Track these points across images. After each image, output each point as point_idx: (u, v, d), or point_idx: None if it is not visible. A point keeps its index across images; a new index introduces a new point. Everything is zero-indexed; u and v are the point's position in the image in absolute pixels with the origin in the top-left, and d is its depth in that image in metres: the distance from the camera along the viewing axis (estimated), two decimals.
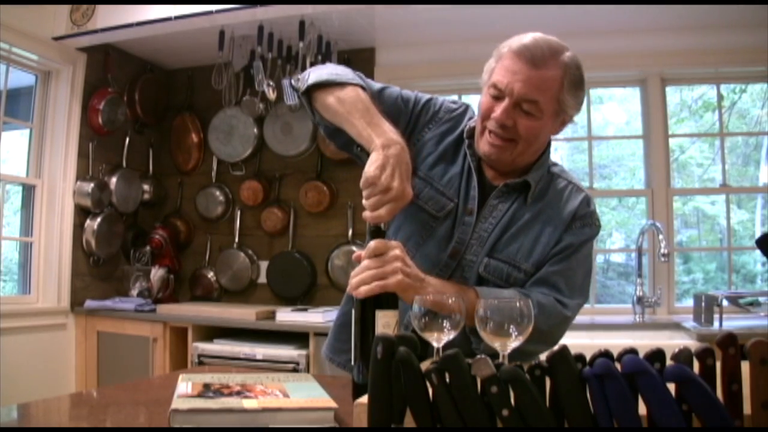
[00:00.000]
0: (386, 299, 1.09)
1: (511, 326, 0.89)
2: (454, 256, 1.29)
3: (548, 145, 1.36)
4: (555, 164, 1.40)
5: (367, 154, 1.18)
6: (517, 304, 0.90)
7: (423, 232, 1.31)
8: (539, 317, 1.05)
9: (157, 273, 3.55)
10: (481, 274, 1.28)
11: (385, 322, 1.07)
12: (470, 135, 1.34)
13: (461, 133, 1.36)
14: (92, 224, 3.37)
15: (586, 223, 1.33)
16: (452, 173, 1.33)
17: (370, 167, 1.12)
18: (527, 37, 1.23)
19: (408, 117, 1.36)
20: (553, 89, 1.22)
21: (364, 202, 1.14)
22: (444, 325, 0.95)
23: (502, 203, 1.31)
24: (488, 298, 1.15)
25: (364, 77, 1.35)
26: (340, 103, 1.25)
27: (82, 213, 3.38)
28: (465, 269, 1.29)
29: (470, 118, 1.38)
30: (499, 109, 1.22)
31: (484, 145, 1.28)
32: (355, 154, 1.32)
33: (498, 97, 1.23)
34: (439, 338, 0.96)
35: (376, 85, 1.36)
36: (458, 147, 1.35)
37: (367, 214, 1.13)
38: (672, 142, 3.36)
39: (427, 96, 1.41)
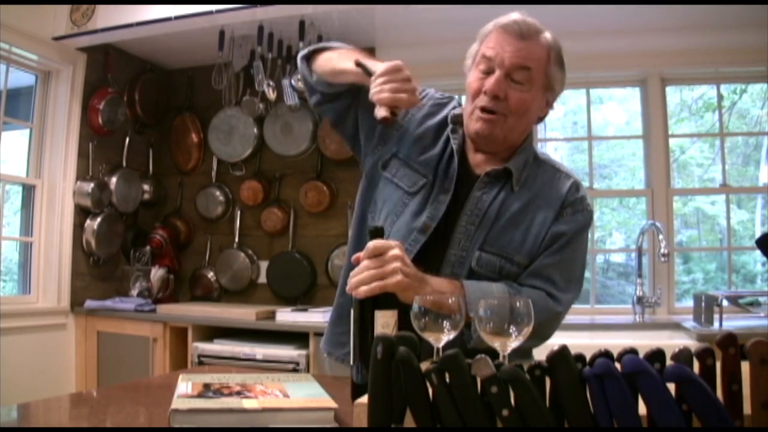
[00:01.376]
0: (385, 299, 1.09)
1: (512, 326, 0.89)
2: (424, 231, 1.28)
3: (531, 130, 1.38)
4: (542, 153, 1.41)
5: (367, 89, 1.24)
6: (517, 304, 0.91)
7: (397, 209, 1.32)
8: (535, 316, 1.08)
9: (157, 273, 3.55)
10: (474, 268, 1.27)
11: (384, 322, 1.07)
12: (455, 121, 1.35)
13: (444, 118, 1.37)
14: (92, 224, 3.37)
15: (577, 209, 1.31)
16: (430, 154, 1.34)
17: (393, 61, 1.22)
18: (511, 16, 1.28)
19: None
20: (542, 60, 1.26)
21: (377, 93, 1.19)
22: (444, 325, 0.95)
23: (486, 194, 1.30)
24: (475, 293, 1.16)
25: None
26: (337, 53, 1.36)
27: (82, 213, 3.38)
28: (455, 266, 1.28)
29: (454, 107, 1.40)
30: (491, 81, 1.24)
31: (474, 123, 1.28)
32: (354, 116, 1.40)
33: (488, 72, 1.26)
34: (439, 338, 0.96)
35: None
36: (439, 131, 1.37)
37: (385, 95, 1.18)
38: (672, 142, 3.36)
39: None
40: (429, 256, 1.27)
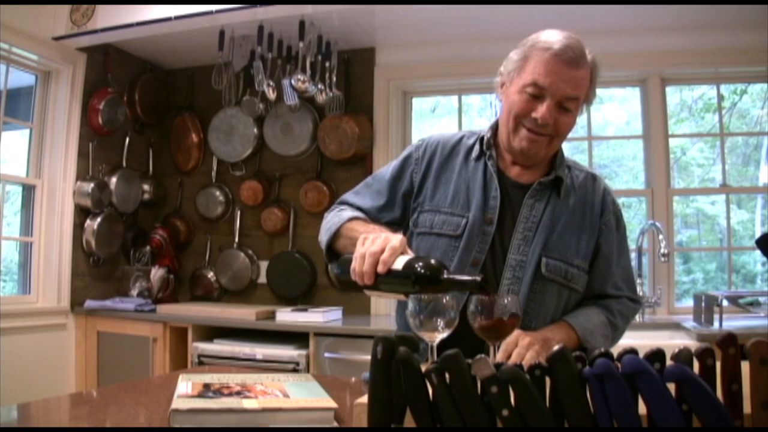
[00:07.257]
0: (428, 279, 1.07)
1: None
2: (475, 264, 1.33)
3: None
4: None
5: None
6: (505, 301, 1.02)
7: (448, 254, 1.35)
8: (623, 325, 1.39)
9: (157, 273, 3.55)
10: (545, 274, 1.32)
11: (397, 289, 1.09)
12: (489, 146, 1.40)
13: (465, 153, 1.42)
14: (92, 224, 3.37)
15: (617, 215, 1.43)
16: (461, 193, 1.38)
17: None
18: (558, 37, 1.28)
19: (409, 180, 1.44)
20: (586, 86, 1.32)
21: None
22: (438, 323, 0.98)
23: (539, 202, 1.36)
24: (586, 328, 1.30)
25: (361, 194, 1.47)
26: (345, 239, 1.33)
27: (82, 213, 3.37)
28: (516, 269, 1.32)
29: (467, 138, 1.45)
30: (542, 109, 1.28)
31: (520, 141, 1.33)
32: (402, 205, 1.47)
33: (538, 97, 1.28)
34: (433, 337, 0.99)
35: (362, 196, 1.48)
36: (463, 167, 1.41)
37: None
38: (672, 142, 3.36)
39: (402, 157, 1.48)
40: (490, 261, 1.33)
